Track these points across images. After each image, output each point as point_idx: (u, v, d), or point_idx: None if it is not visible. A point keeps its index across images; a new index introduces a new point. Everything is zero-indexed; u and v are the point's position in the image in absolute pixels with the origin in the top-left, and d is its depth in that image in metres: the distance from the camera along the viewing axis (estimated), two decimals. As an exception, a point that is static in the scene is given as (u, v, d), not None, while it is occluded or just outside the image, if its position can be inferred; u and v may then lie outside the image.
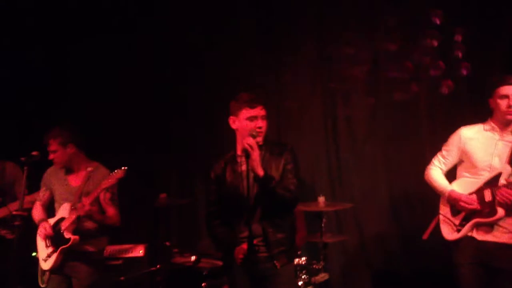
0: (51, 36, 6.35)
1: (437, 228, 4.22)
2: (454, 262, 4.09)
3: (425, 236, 4.25)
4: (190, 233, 6.25)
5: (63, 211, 4.56)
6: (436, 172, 4.28)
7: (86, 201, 4.37)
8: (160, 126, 6.44)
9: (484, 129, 4.10)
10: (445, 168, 4.28)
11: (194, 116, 6.41)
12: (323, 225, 5.18)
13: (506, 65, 4.88)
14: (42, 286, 4.64)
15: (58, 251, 4.48)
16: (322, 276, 5.15)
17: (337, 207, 5.35)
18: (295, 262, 4.78)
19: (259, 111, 3.83)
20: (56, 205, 4.70)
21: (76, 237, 4.43)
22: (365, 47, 5.78)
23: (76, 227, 4.46)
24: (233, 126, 3.88)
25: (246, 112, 3.82)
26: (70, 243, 4.42)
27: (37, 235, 4.63)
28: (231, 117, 3.87)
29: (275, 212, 3.80)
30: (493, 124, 4.07)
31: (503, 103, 3.96)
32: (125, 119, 6.29)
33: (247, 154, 3.67)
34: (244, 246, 3.76)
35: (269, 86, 6.06)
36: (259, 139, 3.79)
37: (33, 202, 4.91)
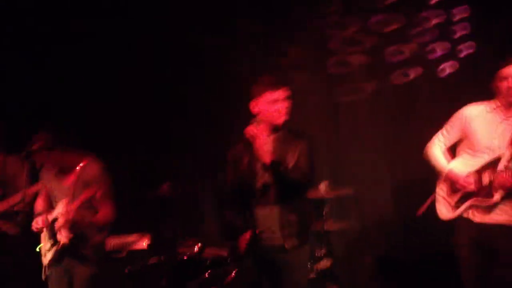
0: (50, 35, 6.34)
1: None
2: (453, 244, 4.13)
3: (419, 212, 4.29)
4: (193, 223, 6.19)
5: (58, 209, 4.51)
6: (436, 150, 4.28)
7: (70, 207, 4.37)
8: (160, 126, 6.45)
9: (488, 110, 4.08)
10: (446, 145, 4.27)
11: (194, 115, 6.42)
12: (324, 211, 5.21)
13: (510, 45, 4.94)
14: (44, 278, 4.62)
15: (52, 250, 4.49)
16: (325, 263, 5.18)
17: (338, 193, 5.39)
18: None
19: (281, 92, 3.85)
20: (52, 200, 4.67)
21: (65, 241, 4.40)
22: (364, 30, 5.82)
23: (70, 228, 4.42)
24: (254, 110, 3.88)
25: (268, 95, 3.83)
26: (59, 246, 4.43)
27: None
28: (252, 101, 3.88)
29: (288, 195, 3.79)
30: (496, 105, 4.06)
31: (502, 85, 3.96)
32: (125, 119, 6.28)
33: (249, 143, 3.71)
34: (247, 235, 3.78)
35: (269, 72, 6.07)
36: (280, 120, 3.83)
37: (34, 196, 4.92)
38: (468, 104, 4.18)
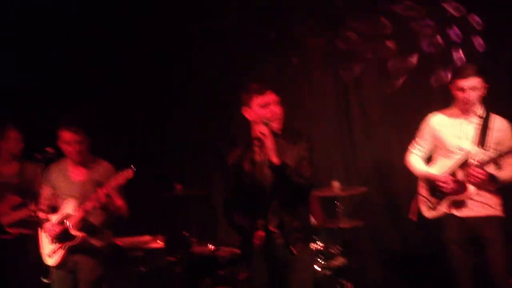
0: (50, 35, 6.32)
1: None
2: (443, 241, 4.36)
3: (413, 217, 4.55)
4: (207, 222, 6.29)
5: (68, 207, 4.49)
6: (414, 158, 4.64)
7: (102, 192, 4.31)
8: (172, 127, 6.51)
9: (450, 115, 4.43)
10: (422, 155, 4.62)
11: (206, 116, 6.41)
12: (338, 210, 5.21)
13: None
14: (46, 281, 4.61)
15: (64, 248, 4.44)
16: (339, 261, 5.20)
17: (351, 191, 5.40)
18: (313, 248, 4.82)
19: (269, 96, 3.82)
20: (59, 200, 4.60)
21: (84, 234, 4.41)
22: (373, 29, 5.81)
23: (83, 223, 4.44)
24: (247, 116, 3.88)
25: (257, 100, 3.82)
26: (77, 241, 4.40)
27: (44, 233, 4.58)
28: (244, 107, 3.87)
29: (292, 200, 3.80)
30: (455, 110, 4.40)
31: (460, 95, 4.27)
32: (124, 117, 6.30)
33: (261, 143, 3.68)
34: (262, 233, 3.79)
35: (281, 72, 6.08)
36: (276, 125, 3.78)
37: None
38: (430, 114, 4.53)
